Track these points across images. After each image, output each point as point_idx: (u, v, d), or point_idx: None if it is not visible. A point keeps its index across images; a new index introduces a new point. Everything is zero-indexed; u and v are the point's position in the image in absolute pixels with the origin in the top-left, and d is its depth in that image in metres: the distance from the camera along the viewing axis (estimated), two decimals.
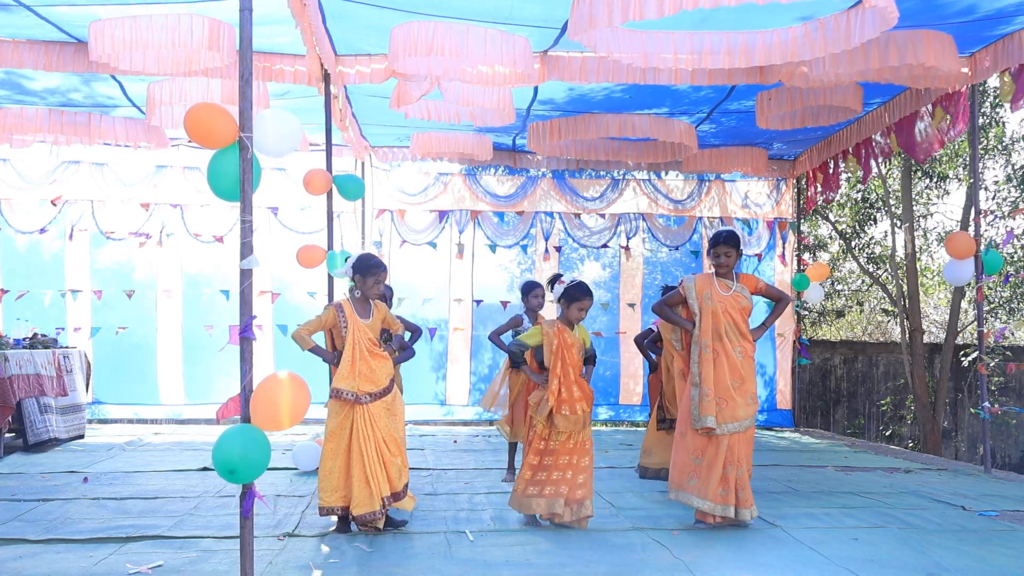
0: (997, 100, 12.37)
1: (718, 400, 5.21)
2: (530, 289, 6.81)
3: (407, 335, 5.92)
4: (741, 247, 5.44)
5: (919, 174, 13.03)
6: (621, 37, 5.89)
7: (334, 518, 5.25)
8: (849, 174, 11.71)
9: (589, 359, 5.44)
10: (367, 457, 5.03)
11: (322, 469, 5.12)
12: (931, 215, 14.45)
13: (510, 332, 6.83)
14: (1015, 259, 12.99)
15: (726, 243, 5.34)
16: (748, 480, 5.28)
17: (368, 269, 5.17)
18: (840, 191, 11.04)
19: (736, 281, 5.41)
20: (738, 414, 5.23)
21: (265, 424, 3.71)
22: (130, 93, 8.54)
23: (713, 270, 5.48)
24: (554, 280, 5.53)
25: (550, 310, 6.11)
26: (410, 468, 7.53)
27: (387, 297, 6.48)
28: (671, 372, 6.27)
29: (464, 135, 9.20)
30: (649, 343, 7.23)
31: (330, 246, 7.64)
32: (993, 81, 11.48)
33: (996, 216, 12.42)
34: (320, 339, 5.48)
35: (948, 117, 7.90)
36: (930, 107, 8.17)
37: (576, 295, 5.29)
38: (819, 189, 10.96)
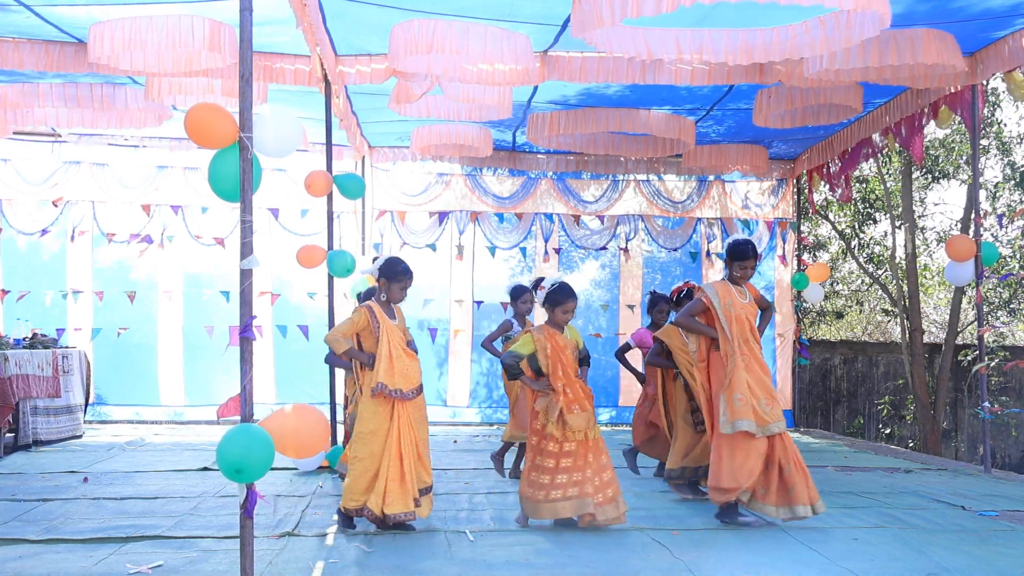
0: (997, 100, 12.37)
1: (767, 400, 5.26)
2: (519, 294, 6.75)
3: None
4: None
5: (917, 174, 13.02)
6: (622, 35, 5.89)
7: (335, 517, 5.25)
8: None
9: (583, 360, 5.40)
10: (407, 457, 5.05)
11: (355, 472, 5.07)
12: (928, 215, 14.45)
13: (500, 338, 6.80)
14: (1016, 257, 13.00)
15: (754, 256, 5.47)
16: (807, 473, 5.27)
17: (395, 275, 5.22)
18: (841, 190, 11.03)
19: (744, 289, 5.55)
20: (778, 412, 5.31)
21: (277, 444, 3.72)
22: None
23: (723, 277, 5.61)
24: (537, 285, 5.49)
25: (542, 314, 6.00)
26: None
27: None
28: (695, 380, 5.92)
29: (465, 128, 9.17)
30: (657, 357, 6.30)
31: (330, 246, 7.64)
32: (993, 82, 11.46)
33: (997, 216, 12.40)
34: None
35: (956, 117, 7.86)
36: (928, 108, 8.15)
37: (558, 298, 5.24)
38: (826, 187, 10.94)
